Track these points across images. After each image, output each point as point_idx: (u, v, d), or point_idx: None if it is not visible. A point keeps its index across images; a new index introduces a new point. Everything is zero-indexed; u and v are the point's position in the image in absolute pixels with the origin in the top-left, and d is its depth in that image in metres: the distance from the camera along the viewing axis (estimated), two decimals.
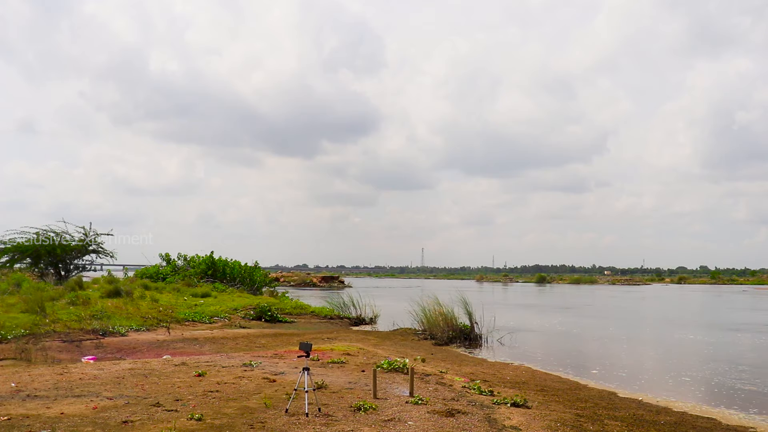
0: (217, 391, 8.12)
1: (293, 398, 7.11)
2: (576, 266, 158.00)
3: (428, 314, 17.61)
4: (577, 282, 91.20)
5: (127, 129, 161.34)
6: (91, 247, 28.81)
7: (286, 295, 29.21)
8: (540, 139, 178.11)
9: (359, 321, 21.50)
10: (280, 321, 20.01)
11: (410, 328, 18.89)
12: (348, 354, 12.16)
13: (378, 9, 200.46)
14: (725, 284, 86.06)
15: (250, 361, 10.90)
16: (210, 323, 17.79)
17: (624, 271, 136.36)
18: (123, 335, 14.41)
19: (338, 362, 11.03)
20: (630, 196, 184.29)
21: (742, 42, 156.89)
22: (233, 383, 8.71)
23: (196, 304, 20.37)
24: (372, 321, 21.69)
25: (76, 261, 29.00)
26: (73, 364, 10.51)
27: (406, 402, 7.64)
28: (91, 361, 11.04)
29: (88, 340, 13.51)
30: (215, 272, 30.06)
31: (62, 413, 6.67)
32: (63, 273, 27.99)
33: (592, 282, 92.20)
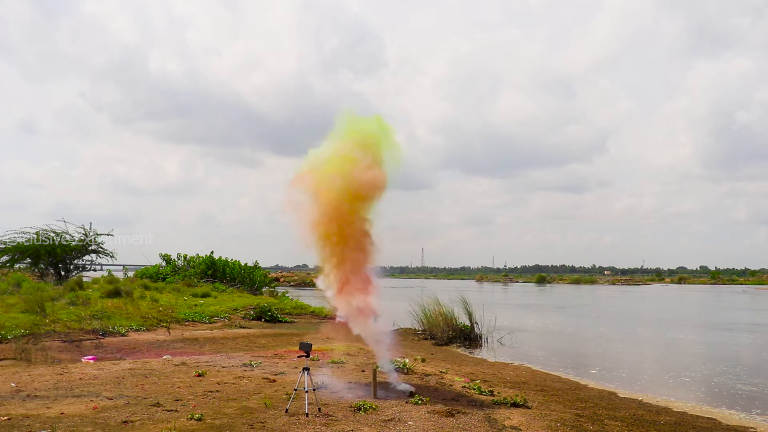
0: (217, 391, 8.13)
1: (293, 398, 7.11)
2: (576, 266, 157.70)
3: (428, 314, 17.60)
4: (577, 282, 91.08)
5: (127, 129, 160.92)
6: (91, 247, 28.79)
7: (286, 295, 29.19)
8: (540, 139, 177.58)
9: None
10: (280, 321, 20.00)
11: (410, 328, 18.88)
12: (348, 354, 12.16)
13: (378, 9, 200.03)
14: (725, 284, 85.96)
15: (250, 361, 10.91)
16: (210, 323, 17.79)
17: (624, 271, 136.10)
18: (123, 335, 14.41)
19: (338, 362, 11.04)
20: (630, 196, 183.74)
21: (742, 42, 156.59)
22: (233, 383, 8.71)
23: (196, 304, 20.36)
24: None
25: (76, 261, 28.98)
26: (73, 364, 10.52)
27: (406, 402, 7.65)
28: (91, 361, 11.04)
29: (88, 340, 13.51)
30: (215, 272, 30.05)
31: (62, 413, 6.67)
32: (63, 273, 27.98)
33: (592, 282, 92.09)
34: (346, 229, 8.29)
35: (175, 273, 30.20)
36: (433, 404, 7.58)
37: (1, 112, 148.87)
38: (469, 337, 16.76)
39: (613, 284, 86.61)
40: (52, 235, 27.19)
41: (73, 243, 27.80)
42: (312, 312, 22.69)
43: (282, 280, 62.36)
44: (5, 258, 27.53)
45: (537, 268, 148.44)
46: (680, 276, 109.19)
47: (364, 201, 8.35)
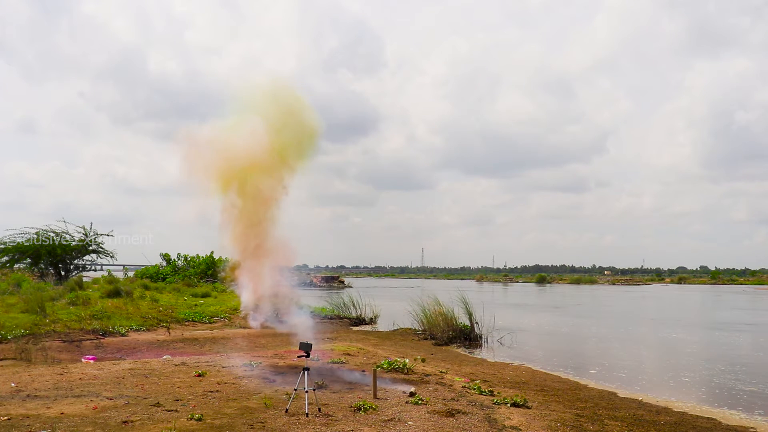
0: (217, 391, 8.13)
1: (293, 398, 7.11)
2: (576, 266, 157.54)
3: (428, 314, 17.61)
4: (577, 282, 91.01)
5: (127, 129, 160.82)
6: (91, 247, 28.82)
7: None
8: (540, 139, 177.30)
9: (359, 321, 21.50)
10: (280, 321, 20.00)
11: (410, 328, 18.89)
12: (348, 354, 12.17)
13: (377, 9, 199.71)
14: (725, 284, 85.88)
15: (250, 361, 10.91)
16: (210, 323, 17.80)
17: (624, 271, 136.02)
18: (123, 335, 14.42)
19: (338, 362, 11.04)
20: (630, 196, 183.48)
21: (741, 42, 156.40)
22: (233, 383, 8.72)
23: (196, 304, 20.38)
24: (372, 321, 21.69)
25: (76, 261, 29.02)
26: (73, 364, 10.52)
27: (406, 402, 7.65)
28: (91, 361, 11.04)
29: (88, 340, 13.51)
30: (215, 272, 30.10)
31: (62, 413, 6.67)
32: (63, 273, 28.00)
33: (592, 282, 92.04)
34: (251, 218, 8.50)
35: (175, 273, 30.24)
36: (433, 404, 7.59)
37: (1, 112, 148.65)
38: (469, 337, 16.75)
39: (613, 284, 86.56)
40: (52, 235, 27.22)
41: (73, 243, 27.84)
42: (312, 312, 22.71)
43: None
44: (5, 258, 27.56)
45: (537, 268, 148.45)
46: (680, 276, 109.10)
47: (265, 200, 8.59)
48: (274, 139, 8.41)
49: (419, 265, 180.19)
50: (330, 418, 6.70)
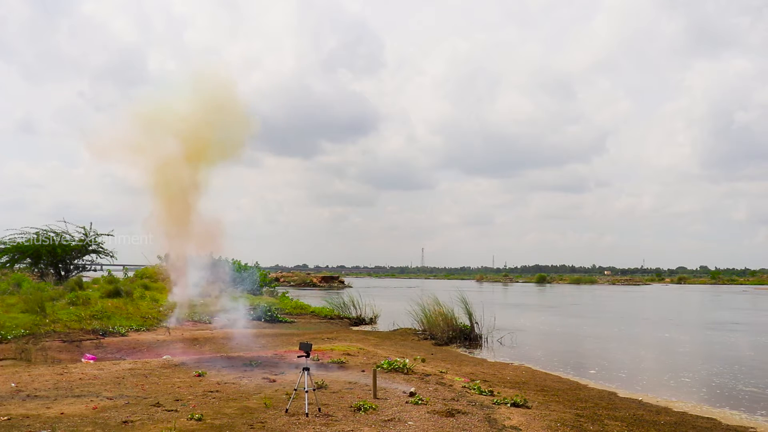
0: (217, 391, 8.13)
1: (293, 398, 7.11)
2: (576, 266, 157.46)
3: (428, 314, 17.61)
4: (577, 282, 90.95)
5: None
6: (91, 247, 28.79)
7: (286, 295, 29.19)
8: (540, 139, 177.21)
9: (359, 321, 21.50)
10: (280, 321, 19.99)
11: (410, 328, 18.89)
12: (348, 354, 12.17)
13: (377, 9, 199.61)
14: (725, 284, 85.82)
15: (250, 361, 10.91)
16: (210, 323, 17.78)
17: (624, 271, 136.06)
18: (123, 335, 14.42)
19: (338, 362, 11.04)
20: (630, 196, 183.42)
21: (741, 42, 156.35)
22: (233, 383, 8.72)
23: (196, 304, 20.35)
24: (372, 321, 21.70)
25: (76, 261, 28.99)
26: (73, 364, 10.52)
27: (406, 402, 7.65)
28: (91, 361, 11.05)
29: (88, 340, 13.51)
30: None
31: (62, 413, 6.67)
32: (63, 273, 27.98)
33: (592, 282, 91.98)
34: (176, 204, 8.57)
35: None
36: (433, 404, 7.58)
37: (1, 112, 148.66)
38: (469, 337, 16.75)
39: (613, 284, 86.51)
40: (52, 235, 27.17)
41: (73, 243, 27.80)
42: (312, 312, 22.71)
43: (282, 280, 62.32)
44: (5, 258, 27.52)
45: (537, 268, 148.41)
46: (680, 276, 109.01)
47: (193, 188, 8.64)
48: (198, 122, 8.42)
49: (419, 265, 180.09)
50: (330, 418, 6.70)
